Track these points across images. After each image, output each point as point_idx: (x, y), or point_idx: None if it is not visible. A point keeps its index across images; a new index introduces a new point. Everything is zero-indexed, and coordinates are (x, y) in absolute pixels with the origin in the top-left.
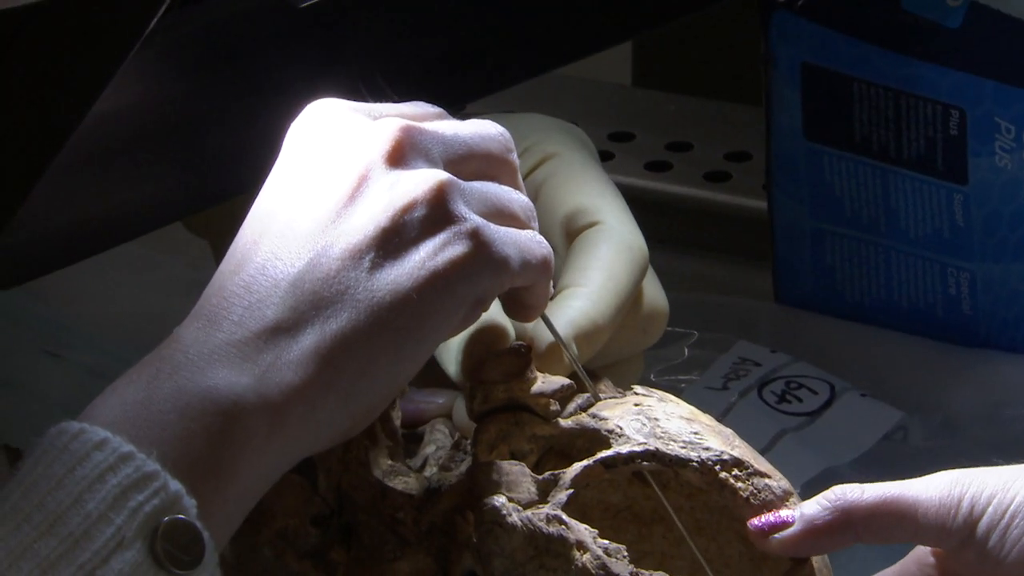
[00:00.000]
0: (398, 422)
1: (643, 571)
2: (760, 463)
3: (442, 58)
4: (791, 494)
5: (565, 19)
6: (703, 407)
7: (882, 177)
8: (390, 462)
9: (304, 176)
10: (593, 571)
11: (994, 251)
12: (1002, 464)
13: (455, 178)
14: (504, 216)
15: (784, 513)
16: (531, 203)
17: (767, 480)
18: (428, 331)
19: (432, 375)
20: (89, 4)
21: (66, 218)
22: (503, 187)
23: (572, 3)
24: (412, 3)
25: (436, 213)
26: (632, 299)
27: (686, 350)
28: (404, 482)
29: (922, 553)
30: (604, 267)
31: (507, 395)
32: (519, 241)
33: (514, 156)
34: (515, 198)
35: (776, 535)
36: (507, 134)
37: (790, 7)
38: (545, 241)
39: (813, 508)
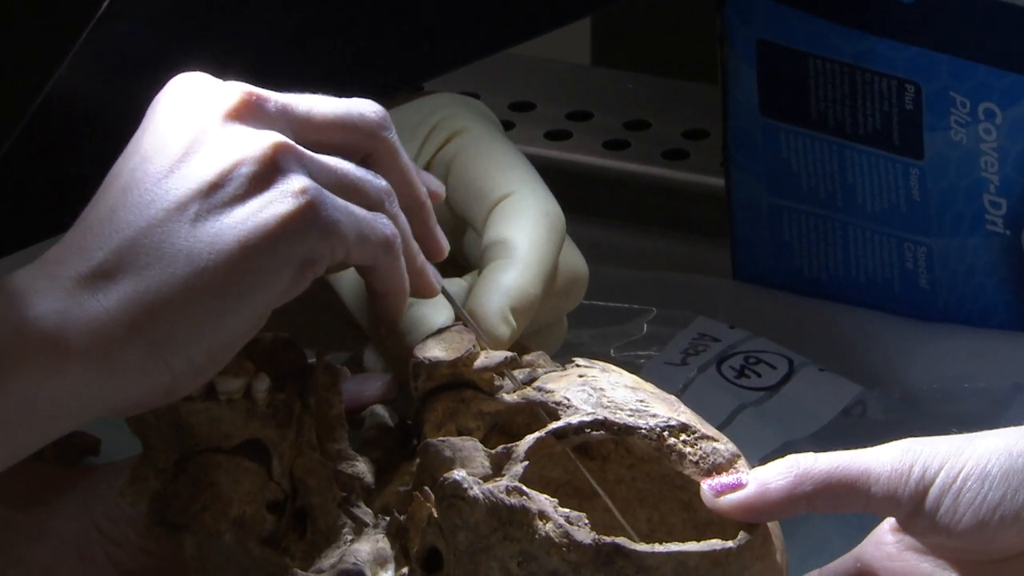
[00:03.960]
0: (342, 407)
1: (604, 537)
2: (706, 427)
3: (398, 36)
4: (739, 457)
5: None
6: (662, 382)
7: (839, 153)
8: (338, 446)
9: (151, 135)
10: (557, 540)
11: (950, 225)
12: None
13: (296, 145)
14: (350, 191)
15: (738, 476)
16: (389, 187)
17: (714, 444)
18: (249, 286)
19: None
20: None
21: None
22: (358, 168)
23: None
24: None
25: (265, 170)
26: (556, 264)
27: (645, 326)
28: (353, 465)
29: (881, 533)
30: (526, 236)
31: (451, 372)
32: (357, 215)
33: (391, 135)
34: (369, 178)
35: (728, 496)
36: (382, 112)
37: None
38: (392, 226)
39: (767, 472)
